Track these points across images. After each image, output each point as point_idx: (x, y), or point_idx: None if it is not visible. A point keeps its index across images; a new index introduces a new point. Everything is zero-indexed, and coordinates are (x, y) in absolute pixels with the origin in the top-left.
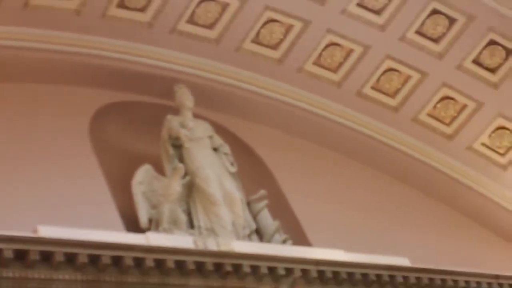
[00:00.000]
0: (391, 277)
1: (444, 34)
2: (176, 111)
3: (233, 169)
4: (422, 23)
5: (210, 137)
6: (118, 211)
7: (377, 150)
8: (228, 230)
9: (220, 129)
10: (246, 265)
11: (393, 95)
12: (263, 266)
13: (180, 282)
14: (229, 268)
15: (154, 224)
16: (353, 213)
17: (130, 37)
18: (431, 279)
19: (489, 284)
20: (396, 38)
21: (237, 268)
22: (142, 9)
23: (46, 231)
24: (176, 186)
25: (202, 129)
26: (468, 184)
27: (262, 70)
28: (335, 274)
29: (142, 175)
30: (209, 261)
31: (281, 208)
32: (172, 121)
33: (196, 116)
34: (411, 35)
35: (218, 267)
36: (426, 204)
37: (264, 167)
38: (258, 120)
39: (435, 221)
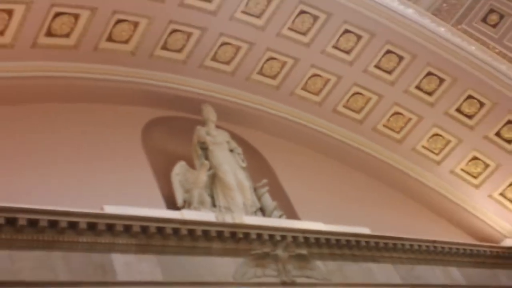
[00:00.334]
0: (357, 241)
1: (394, 68)
2: (203, 123)
3: (244, 165)
4: (379, 60)
5: (228, 142)
6: (161, 194)
7: (348, 151)
8: (240, 208)
9: (235, 136)
10: (253, 233)
11: (358, 111)
12: (265, 234)
13: (205, 245)
14: (240, 235)
15: (187, 204)
16: (330, 196)
17: (170, 70)
18: (385, 243)
19: (427, 247)
20: (361, 71)
21: (246, 235)
22: (179, 50)
23: (110, 209)
24: (203, 176)
25: (222, 136)
26: (412, 175)
27: (265, 94)
28: (317, 239)
29: (179, 169)
30: (226, 230)
31: (278, 192)
32: (200, 130)
33: (218, 127)
34: (372, 69)
35: (233, 234)
36: (382, 190)
37: (266, 163)
38: (262, 130)
39: (389, 202)
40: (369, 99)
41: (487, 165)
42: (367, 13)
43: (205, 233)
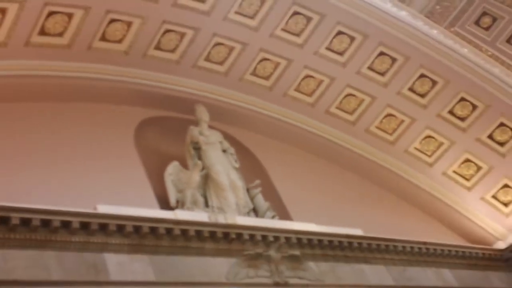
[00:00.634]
0: (349, 243)
1: (387, 70)
2: (196, 123)
3: (237, 165)
4: (372, 62)
5: (221, 142)
6: (155, 194)
7: (341, 152)
8: (232, 209)
9: (227, 137)
10: (245, 233)
11: (351, 112)
12: (258, 235)
13: (198, 245)
14: (233, 236)
15: (180, 204)
16: (322, 197)
17: (164, 70)
18: (378, 245)
19: (420, 248)
20: (354, 73)
21: (239, 236)
22: (172, 50)
23: (103, 209)
24: (196, 177)
25: (215, 136)
26: (404, 177)
27: (258, 94)
28: (309, 240)
29: (172, 169)
30: (219, 230)
31: (270, 193)
32: (193, 130)
33: (210, 127)
34: (365, 70)
35: (226, 235)
36: (375, 191)
37: (259, 164)
38: (255, 130)
39: (381, 203)
40: (362, 101)
41: (479, 168)
42: (361, 15)
43: (198, 233)
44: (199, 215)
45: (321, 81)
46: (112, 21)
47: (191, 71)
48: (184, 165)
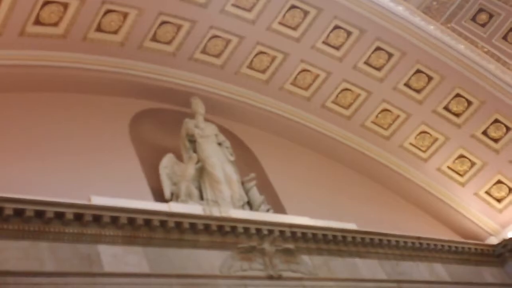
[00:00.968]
0: (343, 237)
1: (383, 65)
2: (191, 116)
3: (232, 158)
4: (369, 57)
5: (216, 135)
6: (149, 187)
7: (336, 147)
8: (227, 202)
9: (223, 129)
10: (240, 227)
11: (347, 107)
12: (252, 228)
13: (192, 238)
14: (228, 229)
15: (174, 197)
16: (317, 190)
17: (159, 62)
18: (371, 239)
19: (413, 243)
20: (350, 67)
21: (233, 229)
22: (169, 42)
23: (97, 200)
24: (191, 169)
25: (210, 129)
26: (399, 172)
27: (254, 88)
28: (303, 234)
29: (167, 161)
30: (213, 223)
31: (265, 186)
32: (189, 123)
33: (206, 120)
34: (361, 65)
35: (220, 228)
36: (369, 186)
37: (254, 157)
38: (250, 123)
39: (375, 198)
40: (358, 95)
41: (473, 163)
42: (358, 10)
43: (192, 226)
44: (194, 208)
45: (317, 75)
46: (108, 11)
47: (187, 63)
48: (179, 158)
